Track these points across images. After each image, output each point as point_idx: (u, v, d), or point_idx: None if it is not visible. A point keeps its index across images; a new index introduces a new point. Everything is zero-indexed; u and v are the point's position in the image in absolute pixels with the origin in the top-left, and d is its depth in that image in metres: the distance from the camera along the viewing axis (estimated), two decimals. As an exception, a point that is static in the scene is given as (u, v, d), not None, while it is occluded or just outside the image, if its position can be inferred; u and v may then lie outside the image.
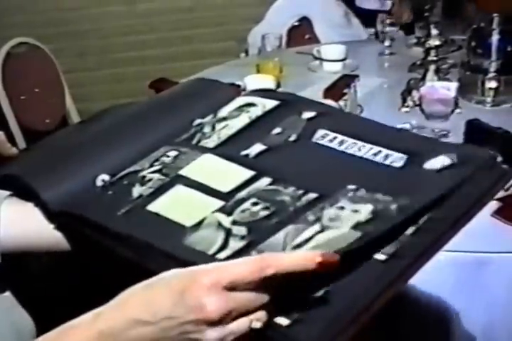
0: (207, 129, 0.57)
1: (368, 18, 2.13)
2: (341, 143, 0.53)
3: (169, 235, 0.46)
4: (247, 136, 0.55)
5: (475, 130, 1.28)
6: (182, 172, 0.52)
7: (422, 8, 1.61)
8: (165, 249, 0.45)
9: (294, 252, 0.41)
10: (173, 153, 0.54)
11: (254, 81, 1.54)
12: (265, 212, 0.46)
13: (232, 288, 0.38)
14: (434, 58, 1.54)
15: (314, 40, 2.17)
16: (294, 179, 0.49)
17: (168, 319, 0.38)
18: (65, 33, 2.61)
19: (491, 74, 1.47)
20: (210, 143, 0.55)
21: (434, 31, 1.53)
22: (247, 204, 0.47)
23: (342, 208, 0.46)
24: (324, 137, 0.54)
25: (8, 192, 0.54)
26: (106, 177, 0.53)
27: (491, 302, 1.00)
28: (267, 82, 1.53)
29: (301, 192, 0.48)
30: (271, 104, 0.59)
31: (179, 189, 0.51)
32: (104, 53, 2.70)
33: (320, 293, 0.40)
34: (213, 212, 0.47)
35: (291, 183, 0.49)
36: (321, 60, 1.80)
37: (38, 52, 2.11)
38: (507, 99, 1.49)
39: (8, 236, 0.53)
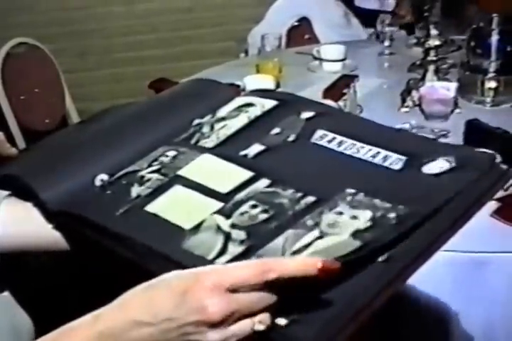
0: (206, 129, 0.57)
1: (367, 18, 2.13)
2: (340, 143, 0.53)
3: (168, 238, 0.46)
4: (246, 136, 0.55)
5: (474, 130, 1.28)
6: (181, 172, 0.52)
7: (422, 9, 1.61)
8: (164, 253, 0.45)
9: (296, 257, 0.41)
10: (171, 153, 0.54)
11: (253, 81, 1.54)
12: (264, 216, 0.46)
13: (234, 290, 0.38)
14: (434, 58, 1.54)
15: (314, 40, 2.17)
16: (293, 181, 0.49)
17: (169, 320, 0.38)
18: (65, 33, 2.61)
19: (490, 75, 1.47)
20: (209, 143, 0.55)
21: (433, 31, 1.53)
22: (245, 207, 0.47)
23: (341, 213, 0.45)
24: (323, 137, 0.54)
25: (7, 192, 0.54)
26: (105, 177, 0.53)
27: (491, 302, 1.01)
28: (267, 82, 1.53)
29: (299, 194, 0.47)
30: (270, 104, 0.59)
31: (178, 189, 0.51)
32: (104, 53, 2.70)
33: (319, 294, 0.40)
34: (212, 214, 0.47)
35: (289, 185, 0.48)
36: (321, 60, 1.80)
37: (37, 53, 2.11)
38: (506, 99, 1.49)
39: (7, 235, 0.53)
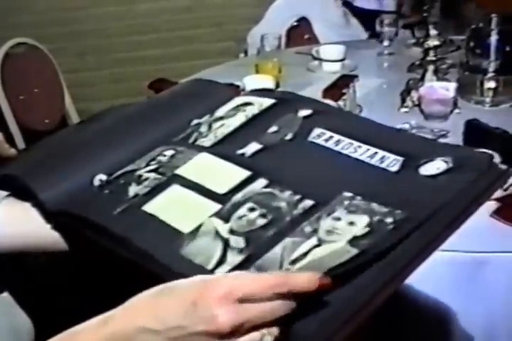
0: (203, 129, 0.57)
1: (366, 18, 2.13)
2: (337, 142, 0.53)
3: (166, 243, 0.46)
4: (243, 134, 0.55)
5: (474, 130, 1.29)
6: (178, 171, 0.52)
7: (421, 9, 1.61)
8: (161, 260, 0.44)
9: (306, 273, 0.40)
10: (169, 152, 0.54)
11: (253, 81, 1.54)
12: (262, 221, 0.46)
13: (245, 300, 0.38)
14: (433, 58, 1.54)
15: (313, 40, 2.17)
16: (290, 181, 0.49)
17: (178, 328, 0.38)
18: (64, 33, 2.61)
19: (489, 75, 1.47)
20: (207, 142, 0.55)
21: (432, 31, 1.53)
22: (243, 210, 0.47)
23: (338, 219, 0.45)
24: (320, 136, 0.54)
25: (5, 193, 0.54)
26: (103, 177, 0.53)
27: (490, 302, 1.01)
28: (266, 82, 1.53)
29: (297, 197, 0.47)
30: (267, 102, 0.59)
31: (175, 189, 0.51)
32: (104, 53, 2.70)
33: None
34: (210, 217, 0.47)
35: (287, 186, 0.48)
36: (320, 60, 1.80)
37: (36, 53, 2.11)
38: (506, 99, 1.49)
39: (6, 236, 0.53)
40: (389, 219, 0.45)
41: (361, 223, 0.45)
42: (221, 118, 0.58)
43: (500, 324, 1.01)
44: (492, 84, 1.48)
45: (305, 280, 0.38)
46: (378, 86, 1.67)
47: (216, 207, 0.48)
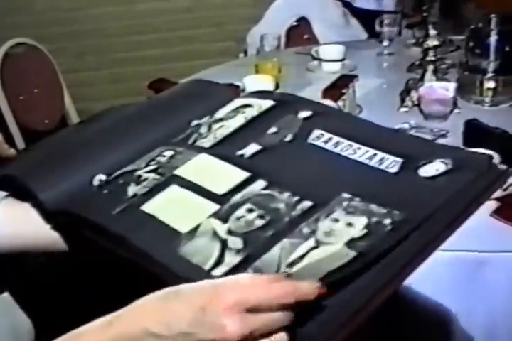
0: (203, 130, 0.57)
1: (366, 18, 2.13)
2: (336, 144, 0.53)
3: (164, 242, 0.46)
4: (243, 135, 0.55)
5: (473, 130, 1.29)
6: (177, 172, 0.52)
7: (421, 9, 1.61)
8: (159, 260, 0.44)
9: (306, 283, 0.40)
10: (168, 153, 0.54)
11: (253, 81, 1.54)
12: (260, 222, 0.46)
13: (253, 309, 0.37)
14: (433, 58, 1.54)
15: (313, 40, 2.17)
16: (289, 183, 0.49)
17: (185, 334, 0.37)
18: (63, 33, 2.61)
19: (489, 75, 1.47)
20: (206, 142, 0.55)
21: (432, 31, 1.53)
22: (242, 211, 0.47)
23: (336, 220, 0.45)
24: (320, 138, 0.54)
25: (5, 193, 0.54)
26: (103, 177, 0.53)
27: (491, 302, 1.01)
28: (266, 82, 1.53)
29: (296, 199, 0.47)
30: (267, 104, 0.59)
31: (174, 189, 0.51)
32: (103, 53, 2.70)
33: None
34: (208, 217, 0.47)
35: (286, 188, 0.48)
36: (320, 60, 1.80)
37: (36, 53, 2.11)
38: (505, 99, 1.50)
39: (5, 236, 0.53)
40: (387, 221, 0.44)
41: (359, 224, 0.44)
42: (221, 119, 0.58)
43: (500, 323, 1.01)
44: (491, 84, 1.48)
45: (306, 289, 0.38)
46: (378, 86, 1.67)
47: (214, 207, 0.48)
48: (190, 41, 2.71)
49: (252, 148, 0.54)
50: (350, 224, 0.45)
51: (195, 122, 0.58)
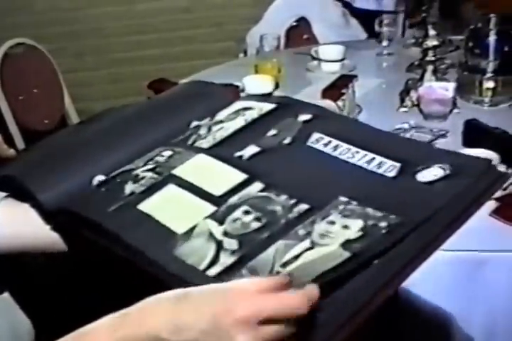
0: (203, 131, 0.57)
1: (366, 18, 2.13)
2: (335, 148, 0.53)
3: (160, 242, 0.46)
4: (242, 137, 0.55)
5: (473, 130, 1.29)
6: (175, 171, 0.52)
7: (420, 9, 1.62)
8: (155, 259, 0.44)
9: (312, 287, 0.40)
10: (167, 153, 0.54)
11: (252, 81, 1.54)
12: (257, 224, 0.46)
13: (266, 321, 0.37)
14: (432, 58, 1.54)
15: (312, 40, 2.17)
16: (287, 186, 0.49)
17: None
18: (63, 33, 2.61)
19: (488, 75, 1.47)
20: (205, 143, 0.55)
21: (431, 32, 1.54)
22: (238, 213, 0.47)
23: (332, 223, 0.45)
24: (319, 141, 0.54)
25: (4, 194, 0.54)
26: (102, 177, 0.53)
27: (491, 301, 1.01)
28: (266, 82, 1.53)
29: (292, 201, 0.47)
30: (268, 107, 0.59)
31: (171, 189, 0.51)
32: (103, 53, 2.70)
33: None
34: (205, 219, 0.47)
35: (283, 190, 0.48)
36: (319, 60, 1.80)
37: (35, 53, 2.11)
38: (504, 99, 1.50)
39: (5, 236, 0.53)
40: (383, 224, 0.45)
41: (355, 227, 0.45)
42: (221, 121, 0.58)
43: (500, 323, 1.01)
44: (491, 84, 1.48)
45: (315, 296, 0.38)
46: (377, 86, 1.67)
47: (211, 208, 0.48)
48: (189, 41, 2.71)
49: (251, 149, 0.54)
50: (346, 227, 0.45)
51: (194, 123, 0.58)
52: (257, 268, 0.42)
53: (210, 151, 0.54)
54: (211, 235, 0.46)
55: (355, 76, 1.54)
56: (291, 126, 0.56)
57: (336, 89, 1.44)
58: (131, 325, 0.38)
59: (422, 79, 1.53)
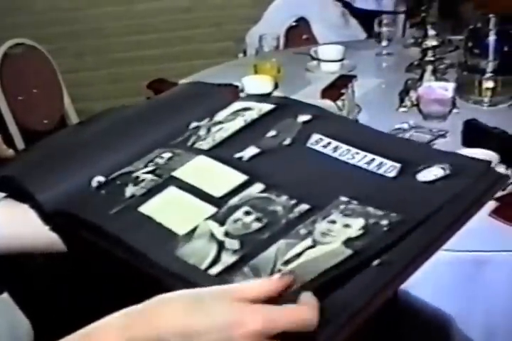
0: (202, 132, 0.57)
1: (365, 18, 2.13)
2: (335, 149, 0.53)
3: (161, 244, 0.46)
4: (242, 138, 0.55)
5: (472, 130, 1.29)
6: (175, 173, 0.52)
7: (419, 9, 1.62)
8: (157, 261, 0.44)
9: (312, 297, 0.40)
10: (167, 155, 0.54)
11: (251, 81, 1.54)
12: (258, 224, 0.46)
13: (276, 336, 0.37)
14: (432, 58, 1.54)
15: (312, 40, 2.17)
16: (287, 187, 0.49)
17: None
18: (63, 33, 2.61)
19: (488, 75, 1.47)
20: (205, 145, 0.55)
21: (430, 32, 1.54)
22: (239, 213, 0.47)
23: (333, 222, 0.45)
24: (318, 142, 0.54)
25: (3, 194, 0.54)
26: (101, 178, 0.53)
27: (491, 301, 1.01)
28: (265, 82, 1.53)
29: (293, 202, 0.47)
30: (267, 107, 0.59)
31: (172, 191, 0.51)
32: (102, 53, 2.70)
33: None
34: (206, 220, 0.47)
35: (283, 191, 0.48)
36: (319, 60, 1.80)
37: (35, 53, 2.11)
38: (504, 99, 1.50)
39: (3, 237, 0.53)
40: (384, 222, 0.45)
41: (356, 225, 0.45)
42: (220, 122, 0.58)
43: (500, 323, 1.01)
44: (490, 84, 1.48)
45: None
46: (377, 86, 1.67)
47: (212, 210, 0.48)
48: (189, 41, 2.71)
49: (251, 151, 0.54)
50: (347, 225, 0.45)
51: (194, 124, 0.58)
52: (258, 267, 0.43)
53: (209, 153, 0.54)
54: (212, 236, 0.46)
55: (354, 76, 1.54)
56: (291, 127, 0.56)
57: (336, 89, 1.44)
58: (141, 325, 0.38)
59: (421, 79, 1.53)
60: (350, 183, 0.50)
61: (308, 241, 0.44)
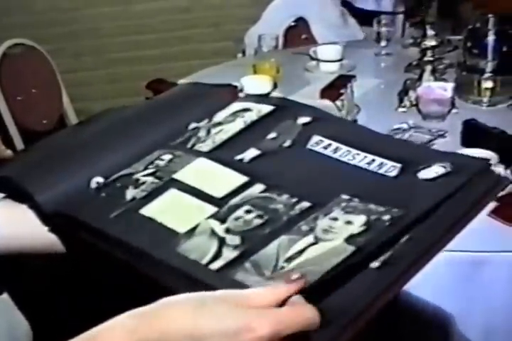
0: (202, 133, 0.57)
1: (365, 18, 2.13)
2: (336, 150, 0.53)
3: (162, 242, 0.46)
4: (242, 140, 0.55)
5: (472, 130, 1.29)
6: (176, 176, 0.52)
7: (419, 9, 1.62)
8: (158, 257, 0.45)
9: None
10: (167, 157, 0.54)
11: (250, 82, 1.54)
12: (259, 221, 0.46)
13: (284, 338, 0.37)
14: (431, 58, 1.54)
15: (311, 40, 2.17)
16: (288, 186, 0.49)
17: None
18: (62, 33, 2.61)
19: (487, 75, 1.48)
20: (205, 147, 0.55)
21: (430, 32, 1.54)
22: (240, 212, 0.47)
23: (335, 219, 0.46)
24: (319, 144, 0.54)
25: (2, 195, 0.54)
26: (100, 179, 0.53)
27: (490, 302, 1.01)
28: (264, 82, 1.53)
29: (294, 200, 0.48)
30: (266, 109, 0.59)
31: (173, 193, 0.51)
32: (101, 53, 2.70)
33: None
34: (207, 219, 0.47)
35: (284, 191, 0.49)
36: (318, 60, 1.80)
37: (34, 53, 2.11)
38: (503, 99, 1.50)
39: (2, 237, 0.52)
40: (386, 217, 0.45)
41: (358, 222, 0.45)
42: (220, 123, 0.58)
43: (499, 323, 1.02)
44: (489, 84, 1.48)
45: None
46: (376, 86, 1.67)
47: (213, 209, 0.48)
48: (187, 41, 2.71)
49: (251, 152, 0.54)
50: (349, 222, 0.45)
51: (193, 125, 0.58)
52: (260, 262, 0.43)
53: (210, 155, 0.54)
54: (213, 232, 0.46)
55: (353, 76, 1.54)
56: (291, 129, 0.56)
57: (335, 89, 1.44)
58: (149, 328, 0.38)
59: (420, 79, 1.53)
60: (352, 182, 0.50)
61: (310, 238, 0.44)
